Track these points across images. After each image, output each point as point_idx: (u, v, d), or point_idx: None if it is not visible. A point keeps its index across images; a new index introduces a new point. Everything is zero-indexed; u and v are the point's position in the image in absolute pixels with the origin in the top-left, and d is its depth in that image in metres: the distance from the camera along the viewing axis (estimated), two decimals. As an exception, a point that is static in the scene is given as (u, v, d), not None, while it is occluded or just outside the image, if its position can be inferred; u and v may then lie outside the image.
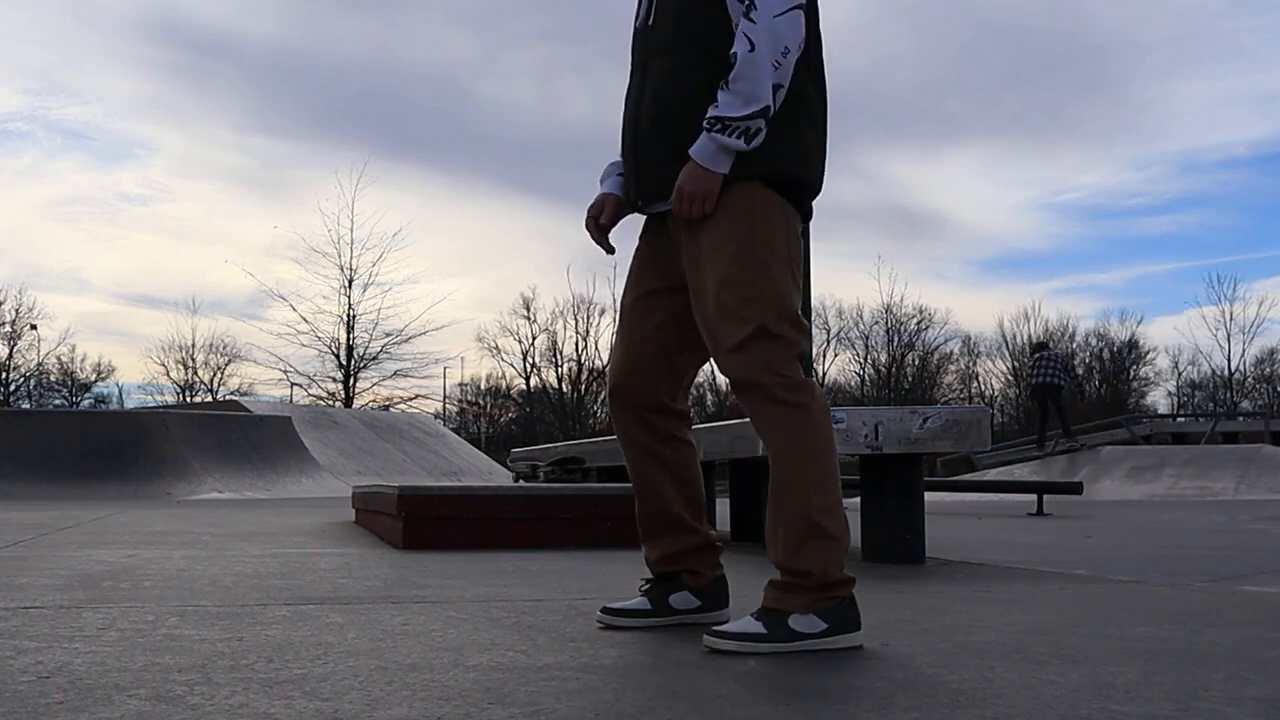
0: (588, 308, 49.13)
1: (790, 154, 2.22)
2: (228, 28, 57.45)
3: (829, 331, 48.73)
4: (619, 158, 2.46)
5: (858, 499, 4.43)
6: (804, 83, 2.23)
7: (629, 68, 2.42)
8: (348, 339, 34.18)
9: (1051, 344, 19.67)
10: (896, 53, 59.79)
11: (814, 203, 2.35)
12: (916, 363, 50.71)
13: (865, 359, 50.43)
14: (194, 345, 46.34)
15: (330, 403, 33.37)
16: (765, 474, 4.28)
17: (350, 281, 33.66)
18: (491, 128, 61.38)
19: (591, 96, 59.24)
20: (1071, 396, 14.50)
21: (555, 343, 49.62)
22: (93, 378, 48.36)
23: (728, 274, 2.19)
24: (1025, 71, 60.57)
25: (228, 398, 36.35)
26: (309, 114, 60.26)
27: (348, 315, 33.94)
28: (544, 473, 9.96)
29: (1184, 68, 61.06)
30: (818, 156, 2.27)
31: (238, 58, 57.18)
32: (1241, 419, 37.15)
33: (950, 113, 61.48)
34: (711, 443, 5.02)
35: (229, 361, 45.62)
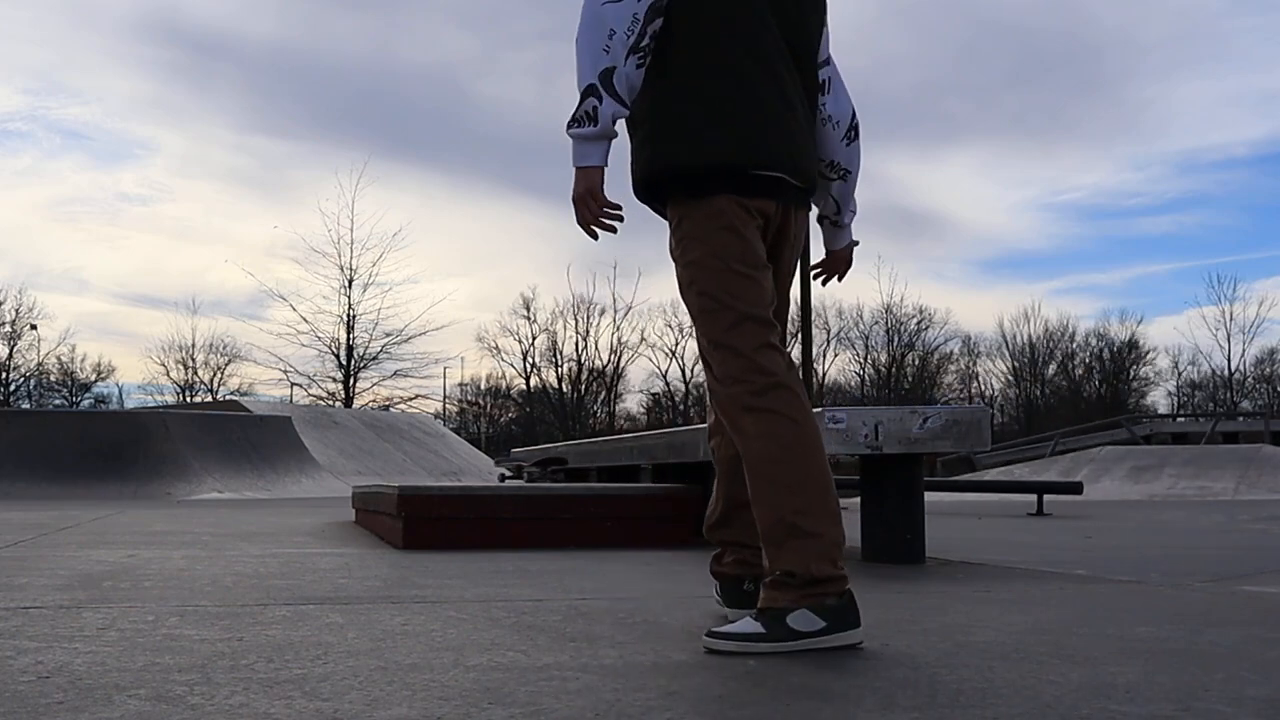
0: (588, 308, 49.16)
1: (677, 147, 2.20)
2: (227, 28, 57.56)
3: (829, 331, 48.77)
4: None
5: (858, 499, 4.42)
6: (683, 62, 2.20)
7: None
8: (348, 339, 34.19)
9: None
10: (896, 53, 59.86)
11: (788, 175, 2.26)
12: (916, 363, 50.74)
13: (865, 359, 50.49)
14: (194, 345, 46.43)
15: (330, 403, 33.37)
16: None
17: (350, 281, 33.66)
18: (491, 128, 61.46)
19: (591, 96, 59.17)
20: None
21: (555, 343, 49.67)
22: (93, 378, 48.43)
23: (682, 300, 2.27)
24: (1025, 72, 60.67)
25: (228, 398, 36.36)
26: (309, 114, 60.37)
27: (348, 315, 33.94)
28: (528, 473, 10.15)
29: (1184, 68, 61.16)
30: (718, 131, 2.19)
31: (237, 58, 57.29)
32: (1241, 419, 37.19)
33: (950, 113, 61.56)
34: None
35: (229, 361, 45.70)
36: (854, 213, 2.59)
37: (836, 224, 2.58)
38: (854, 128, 2.51)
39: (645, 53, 2.17)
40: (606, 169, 2.20)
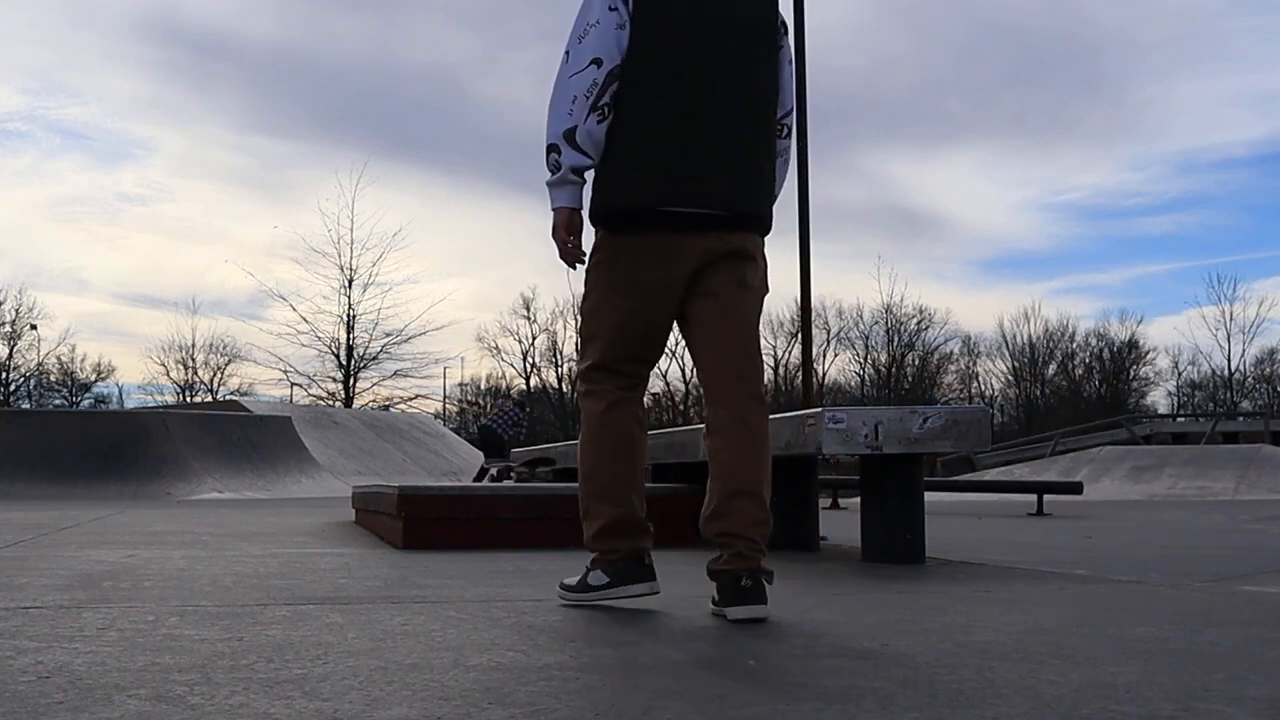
0: (588, 308, 49.06)
1: (599, 189, 2.66)
2: (227, 28, 57.55)
3: (829, 331, 48.77)
4: None
5: (858, 499, 4.42)
6: (615, 122, 2.60)
7: None
8: (348, 339, 34.18)
9: (522, 398, 19.67)
10: (896, 53, 59.87)
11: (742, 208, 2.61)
12: (916, 363, 50.74)
13: (865, 359, 50.49)
14: (194, 345, 46.43)
15: (330, 403, 33.37)
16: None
17: (350, 281, 33.63)
18: (491, 128, 61.50)
19: (591, 96, 59.27)
20: (513, 444, 16.16)
21: (555, 343, 49.70)
22: (93, 378, 48.43)
23: None
24: (1025, 72, 60.65)
25: (228, 398, 36.38)
26: (308, 114, 60.37)
27: (348, 315, 33.91)
28: (517, 473, 10.25)
29: (1183, 68, 61.15)
30: (620, 178, 2.61)
31: (237, 58, 57.30)
32: (1241, 419, 37.19)
33: (950, 113, 61.54)
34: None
35: (229, 361, 45.70)
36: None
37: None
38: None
39: (605, 110, 2.59)
40: (579, 209, 2.67)
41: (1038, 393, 51.85)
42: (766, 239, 2.72)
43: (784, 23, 2.74)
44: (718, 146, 2.59)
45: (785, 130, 2.78)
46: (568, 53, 2.60)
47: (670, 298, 2.63)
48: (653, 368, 2.80)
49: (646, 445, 2.75)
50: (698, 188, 2.57)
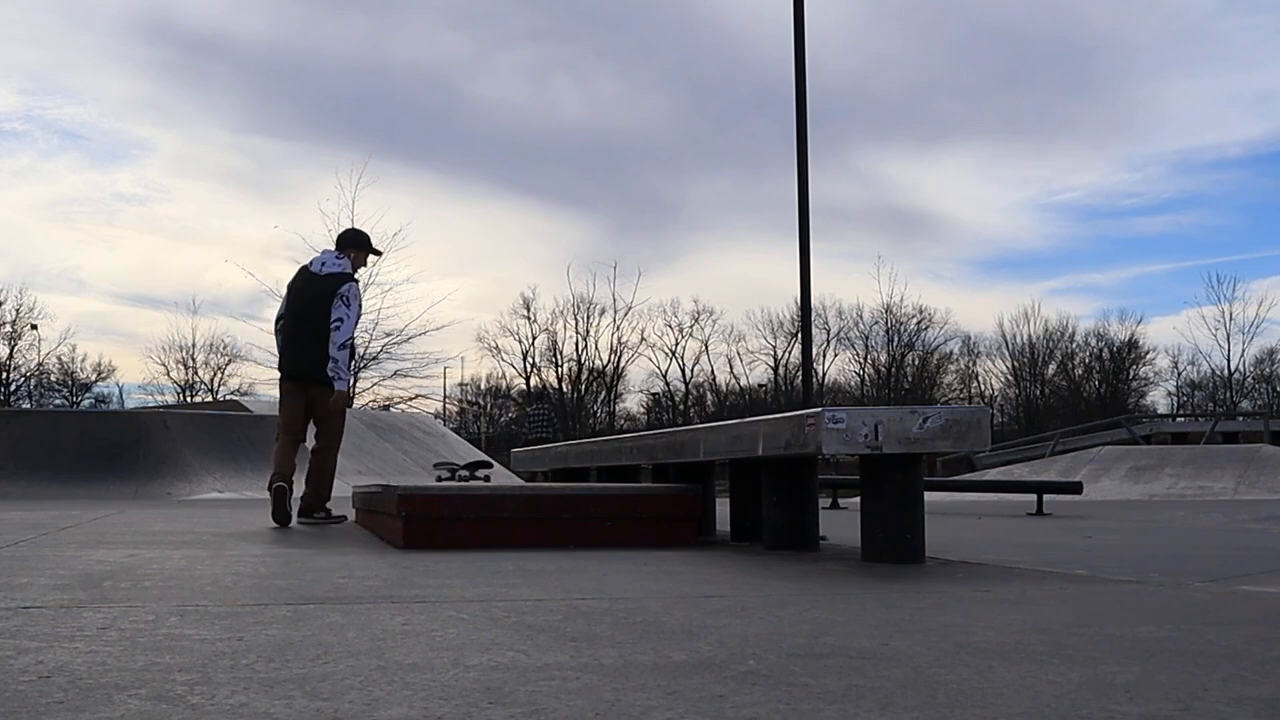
0: (588, 308, 49.20)
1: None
2: (221, 28, 57.62)
3: (829, 331, 48.80)
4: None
5: (858, 499, 4.41)
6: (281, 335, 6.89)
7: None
8: (348, 339, 34.19)
9: (549, 396, 18.51)
10: (889, 53, 59.91)
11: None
12: (916, 363, 50.78)
13: (865, 359, 50.56)
14: (194, 345, 46.47)
15: (330, 403, 33.27)
16: (764, 473, 4.29)
17: (350, 281, 33.60)
18: (485, 128, 61.56)
19: (584, 96, 59.36)
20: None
21: (555, 343, 49.72)
22: (93, 378, 48.47)
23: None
24: (1018, 72, 60.65)
25: (228, 398, 36.39)
26: (302, 114, 60.43)
27: (348, 315, 33.88)
28: (459, 475, 11.81)
29: (1176, 68, 61.19)
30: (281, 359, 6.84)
31: (231, 58, 57.35)
32: (1241, 419, 37.20)
33: (944, 113, 61.55)
34: (711, 443, 5.01)
35: (229, 361, 45.75)
36: (340, 377, 6.70)
37: (332, 377, 6.67)
38: (340, 345, 6.70)
39: (276, 335, 6.94)
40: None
41: (1037, 393, 51.87)
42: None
43: (341, 293, 6.63)
44: (298, 352, 6.62)
45: (335, 327, 6.59)
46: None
47: (301, 408, 6.66)
48: (301, 432, 6.65)
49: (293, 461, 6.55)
50: (293, 369, 6.63)
